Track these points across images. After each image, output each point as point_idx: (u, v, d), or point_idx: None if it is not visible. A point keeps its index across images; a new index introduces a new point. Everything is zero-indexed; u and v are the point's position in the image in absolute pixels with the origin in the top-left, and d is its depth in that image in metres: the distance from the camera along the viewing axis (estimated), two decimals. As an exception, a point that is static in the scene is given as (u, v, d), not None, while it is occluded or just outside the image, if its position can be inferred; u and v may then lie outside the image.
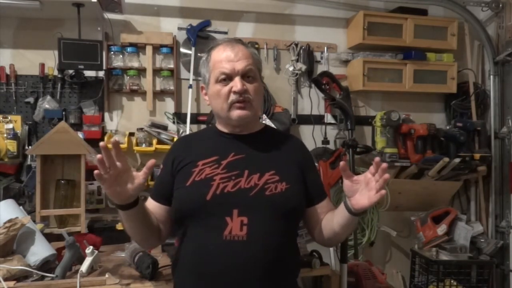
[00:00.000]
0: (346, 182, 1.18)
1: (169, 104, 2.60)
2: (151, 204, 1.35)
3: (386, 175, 1.11)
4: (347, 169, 1.17)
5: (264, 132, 1.41)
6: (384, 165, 1.11)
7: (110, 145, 1.09)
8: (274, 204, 1.24)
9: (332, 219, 1.30)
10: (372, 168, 1.14)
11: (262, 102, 1.41)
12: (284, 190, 1.26)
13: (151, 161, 1.14)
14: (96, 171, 1.07)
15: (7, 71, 2.36)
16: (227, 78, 1.27)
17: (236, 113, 1.28)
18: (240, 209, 1.21)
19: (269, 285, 1.22)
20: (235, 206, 1.21)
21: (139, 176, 1.14)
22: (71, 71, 2.39)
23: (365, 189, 1.15)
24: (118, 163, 1.10)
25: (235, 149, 1.31)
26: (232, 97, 1.27)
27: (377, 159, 1.13)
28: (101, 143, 1.07)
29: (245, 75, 1.28)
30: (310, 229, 1.40)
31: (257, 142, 1.35)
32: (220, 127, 1.39)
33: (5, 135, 2.21)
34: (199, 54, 2.60)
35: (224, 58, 1.28)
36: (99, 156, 1.07)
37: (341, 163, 1.16)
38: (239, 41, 1.35)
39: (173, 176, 1.32)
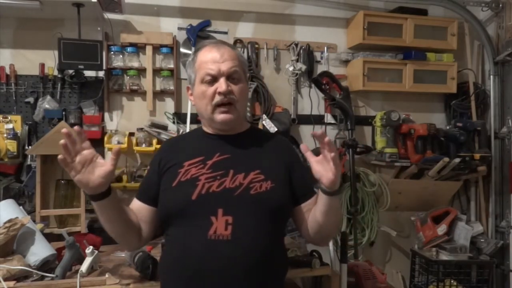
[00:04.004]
0: (313, 166, 1.17)
1: (169, 104, 2.60)
2: (135, 205, 1.36)
3: (326, 138, 1.10)
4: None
5: (250, 132, 1.42)
6: (326, 139, 1.11)
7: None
8: (259, 203, 1.24)
9: (314, 211, 1.28)
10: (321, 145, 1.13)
11: (247, 103, 1.41)
12: (269, 188, 1.26)
13: (117, 148, 1.16)
14: (60, 156, 1.08)
15: (7, 71, 2.36)
16: (213, 79, 1.28)
17: (220, 117, 1.29)
18: (225, 208, 1.21)
19: (254, 285, 1.21)
20: (220, 205, 1.21)
21: (107, 163, 1.14)
22: (71, 71, 2.39)
23: (327, 165, 1.14)
24: (84, 151, 1.11)
25: (220, 149, 1.32)
26: (217, 98, 1.28)
27: (316, 132, 1.12)
28: (63, 130, 1.09)
29: (230, 77, 1.29)
30: (299, 228, 1.39)
31: (243, 142, 1.35)
32: (205, 128, 1.40)
33: (5, 135, 2.21)
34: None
35: (210, 59, 1.29)
36: (62, 141, 1.07)
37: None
38: (225, 43, 1.37)
39: (160, 176, 1.33)
